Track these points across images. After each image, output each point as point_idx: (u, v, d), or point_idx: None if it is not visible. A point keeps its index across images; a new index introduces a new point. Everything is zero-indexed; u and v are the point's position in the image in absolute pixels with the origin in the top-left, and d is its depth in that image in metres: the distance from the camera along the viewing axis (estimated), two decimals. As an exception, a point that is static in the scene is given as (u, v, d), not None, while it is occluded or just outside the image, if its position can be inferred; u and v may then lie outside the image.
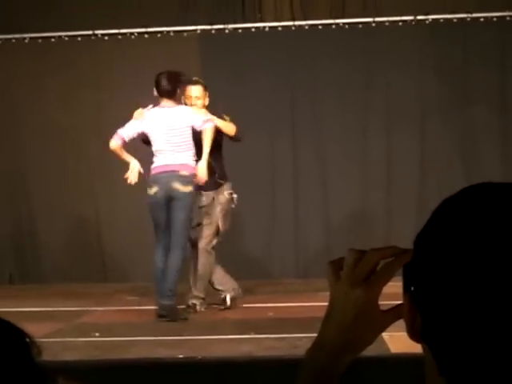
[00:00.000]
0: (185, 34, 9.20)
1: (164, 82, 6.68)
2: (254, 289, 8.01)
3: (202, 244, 6.92)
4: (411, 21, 9.04)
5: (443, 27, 8.96)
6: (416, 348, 0.96)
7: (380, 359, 2.68)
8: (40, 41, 9.23)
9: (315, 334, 1.05)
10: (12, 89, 9.26)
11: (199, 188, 6.80)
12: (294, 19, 9.23)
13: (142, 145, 6.99)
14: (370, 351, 1.14)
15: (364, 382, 2.40)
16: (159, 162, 6.68)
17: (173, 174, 6.62)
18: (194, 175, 6.65)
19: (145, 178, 6.84)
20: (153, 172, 6.71)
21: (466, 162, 8.93)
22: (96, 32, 9.19)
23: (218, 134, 6.85)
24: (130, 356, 5.12)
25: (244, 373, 2.65)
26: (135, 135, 6.79)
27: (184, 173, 6.63)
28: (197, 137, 6.69)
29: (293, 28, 9.17)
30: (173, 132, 6.66)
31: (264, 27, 9.19)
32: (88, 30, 9.16)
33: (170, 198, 6.61)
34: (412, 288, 0.88)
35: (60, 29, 9.14)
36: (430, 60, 8.99)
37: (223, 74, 8.85)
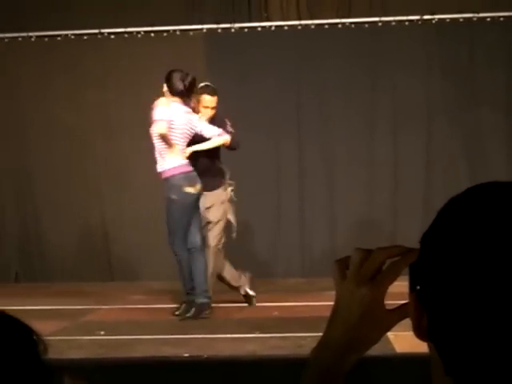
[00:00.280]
0: (191, 33, 9.20)
1: (181, 84, 6.57)
2: (259, 288, 8.00)
3: (211, 243, 6.92)
4: (417, 20, 9.03)
5: (450, 27, 8.95)
6: (421, 348, 0.96)
7: (385, 359, 2.68)
8: (46, 39, 9.24)
9: (320, 334, 1.05)
10: (18, 87, 9.27)
11: (203, 189, 6.79)
12: (300, 19, 9.23)
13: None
14: (376, 351, 1.14)
15: (369, 382, 2.40)
16: (186, 160, 6.63)
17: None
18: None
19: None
20: (189, 169, 6.60)
21: (471, 163, 8.92)
22: (102, 31, 9.20)
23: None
24: (135, 354, 5.13)
25: (249, 372, 2.65)
26: (168, 119, 6.52)
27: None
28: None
29: (299, 27, 9.16)
30: (189, 132, 6.65)
31: (270, 27, 9.19)
32: (94, 28, 9.17)
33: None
34: (418, 287, 0.88)
35: (66, 27, 9.15)
36: (437, 60, 8.98)
37: (229, 74, 8.85)
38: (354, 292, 1.01)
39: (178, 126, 6.56)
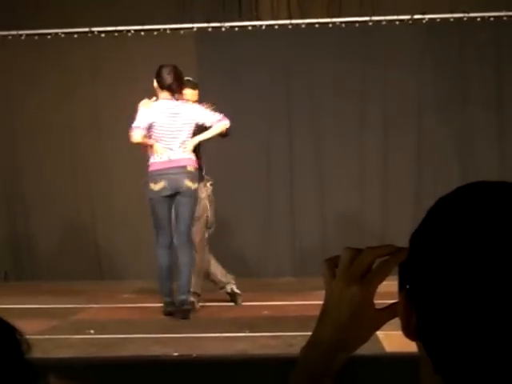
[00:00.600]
0: (181, 32, 9.19)
1: (169, 77, 6.61)
2: (250, 287, 8.00)
3: (196, 239, 6.91)
4: (408, 20, 9.05)
5: (440, 26, 8.97)
6: (411, 347, 0.96)
7: (375, 358, 2.69)
8: (36, 38, 9.21)
9: (310, 333, 1.05)
10: (8, 86, 9.24)
11: None
12: (290, 18, 9.23)
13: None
14: (365, 350, 1.14)
15: (359, 381, 2.40)
16: (165, 156, 6.61)
17: (181, 170, 6.61)
18: (197, 170, 6.69)
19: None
20: (158, 167, 6.59)
21: (462, 160, 8.95)
22: (92, 29, 9.18)
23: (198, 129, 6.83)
24: (125, 353, 5.11)
25: (239, 371, 2.65)
26: (147, 125, 6.57)
27: (191, 168, 6.63)
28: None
29: (289, 27, 9.16)
30: (181, 126, 6.64)
31: (261, 26, 9.19)
32: (84, 26, 9.15)
33: (175, 195, 6.59)
34: (407, 286, 0.88)
35: (56, 26, 9.13)
36: (427, 59, 9.00)
37: (219, 72, 8.85)
38: (343, 291, 1.01)
39: (162, 124, 6.58)
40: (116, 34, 9.22)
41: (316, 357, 1.03)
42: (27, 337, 1.13)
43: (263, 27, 9.18)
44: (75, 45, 9.13)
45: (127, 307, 7.17)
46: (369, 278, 1.00)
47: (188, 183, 6.57)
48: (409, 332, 0.88)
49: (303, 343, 1.06)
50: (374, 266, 1.01)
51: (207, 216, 7.04)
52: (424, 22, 9.02)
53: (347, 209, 8.98)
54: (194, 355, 3.88)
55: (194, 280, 6.88)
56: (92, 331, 5.96)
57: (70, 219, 9.18)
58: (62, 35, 9.21)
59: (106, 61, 9.14)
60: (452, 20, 8.99)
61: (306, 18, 9.18)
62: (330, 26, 9.09)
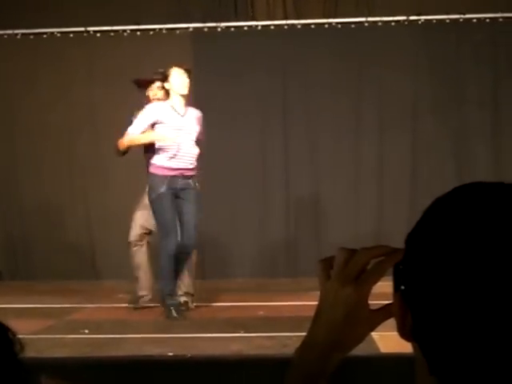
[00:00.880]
0: (177, 32, 9.18)
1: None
2: (245, 287, 8.01)
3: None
4: (404, 21, 9.05)
5: (436, 28, 8.98)
6: (405, 348, 0.96)
7: (369, 359, 2.69)
8: (32, 37, 9.20)
9: (305, 333, 1.05)
10: (3, 85, 9.23)
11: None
12: (286, 18, 9.23)
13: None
14: (360, 351, 1.14)
15: (353, 382, 2.40)
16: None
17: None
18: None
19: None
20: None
21: (458, 161, 8.96)
22: (88, 28, 9.17)
23: None
24: (120, 353, 5.11)
25: (234, 371, 2.65)
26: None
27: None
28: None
29: (285, 27, 9.16)
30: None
31: (256, 26, 9.18)
32: (80, 26, 9.14)
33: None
34: (403, 287, 0.88)
35: (52, 25, 9.12)
36: (423, 60, 9.01)
37: (215, 73, 8.85)
38: (338, 292, 1.01)
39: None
40: (112, 34, 9.21)
41: (311, 357, 1.03)
42: (21, 336, 1.12)
43: (259, 27, 9.18)
44: (71, 44, 9.12)
45: (122, 307, 7.16)
46: (363, 279, 1.00)
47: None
48: (404, 333, 0.88)
49: (298, 344, 1.06)
50: (369, 266, 1.01)
51: None
52: (420, 22, 9.02)
53: (342, 209, 8.98)
54: (189, 355, 3.87)
55: (186, 280, 6.87)
56: (87, 331, 5.96)
57: (65, 218, 9.17)
58: (58, 35, 9.20)
59: (101, 60, 9.13)
60: (448, 21, 9.00)
61: (302, 18, 9.18)
62: (326, 26, 9.09)
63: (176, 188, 6.54)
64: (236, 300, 7.31)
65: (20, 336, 1.13)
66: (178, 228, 6.55)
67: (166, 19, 9.15)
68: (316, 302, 1.04)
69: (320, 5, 9.28)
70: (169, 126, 6.53)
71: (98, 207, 9.14)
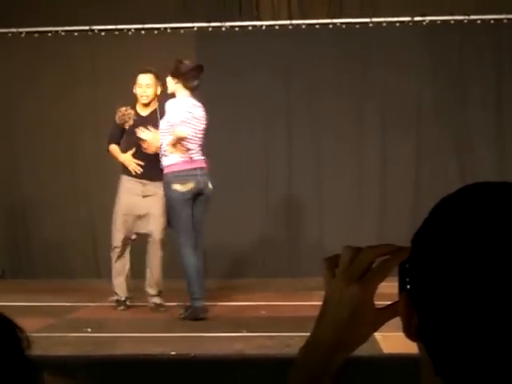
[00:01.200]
0: (182, 31, 9.18)
1: (197, 78, 6.58)
2: (247, 287, 8.00)
3: (159, 236, 6.92)
4: (408, 22, 9.04)
5: (440, 29, 8.97)
6: (409, 348, 0.96)
7: (373, 359, 2.68)
8: (36, 35, 9.20)
9: (308, 333, 1.04)
10: (7, 84, 9.23)
11: (149, 178, 6.85)
12: (291, 18, 9.22)
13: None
14: (363, 351, 1.14)
15: (357, 382, 2.40)
16: (187, 156, 6.54)
17: (204, 171, 6.60)
18: None
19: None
20: (187, 167, 6.52)
21: (461, 162, 8.95)
22: (93, 27, 9.17)
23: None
24: (121, 352, 5.11)
25: (236, 371, 2.65)
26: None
27: (207, 170, 6.67)
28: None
29: (290, 27, 9.16)
30: (201, 127, 6.63)
31: (261, 26, 9.18)
32: (85, 25, 9.14)
33: (197, 196, 6.55)
34: (409, 286, 0.87)
35: (57, 23, 9.12)
36: (427, 61, 9.00)
37: (219, 72, 8.84)
38: (343, 290, 1.00)
39: (190, 124, 6.64)
40: (116, 33, 9.21)
41: (315, 357, 1.03)
42: (28, 334, 1.13)
43: (263, 27, 9.17)
44: (75, 43, 9.12)
45: (124, 306, 7.15)
46: (369, 278, 1.00)
47: (210, 185, 6.59)
48: (410, 333, 0.88)
49: (300, 344, 1.05)
50: (374, 265, 1.00)
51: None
52: (424, 23, 9.02)
53: (346, 209, 8.97)
54: (192, 354, 3.87)
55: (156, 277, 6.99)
56: (89, 329, 5.96)
57: (68, 217, 9.16)
58: (62, 33, 9.19)
59: (106, 59, 9.13)
60: (452, 22, 8.99)
61: (307, 18, 9.17)
62: (331, 26, 9.09)
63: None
64: (238, 300, 7.31)
65: (26, 334, 1.13)
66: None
67: (171, 18, 9.15)
68: (319, 302, 1.03)
69: (325, 5, 9.27)
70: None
71: (100, 206, 9.13)
